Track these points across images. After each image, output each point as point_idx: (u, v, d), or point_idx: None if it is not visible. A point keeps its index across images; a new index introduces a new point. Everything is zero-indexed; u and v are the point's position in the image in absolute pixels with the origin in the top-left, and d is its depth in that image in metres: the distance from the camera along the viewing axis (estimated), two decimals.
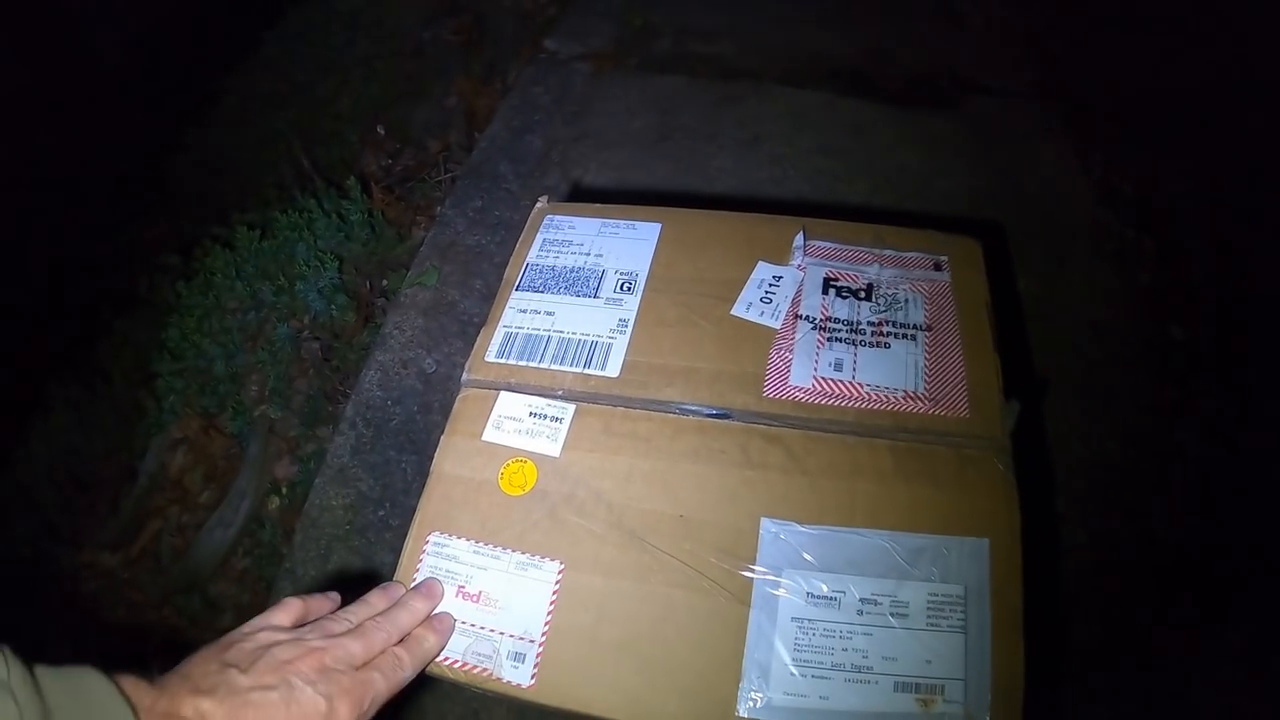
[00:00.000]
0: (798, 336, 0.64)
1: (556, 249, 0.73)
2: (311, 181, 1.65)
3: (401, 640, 0.52)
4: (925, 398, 0.60)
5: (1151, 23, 1.56)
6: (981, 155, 1.47)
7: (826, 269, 0.68)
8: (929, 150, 1.48)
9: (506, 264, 0.73)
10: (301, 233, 1.45)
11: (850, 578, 0.53)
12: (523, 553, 0.57)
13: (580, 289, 0.69)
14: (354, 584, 0.56)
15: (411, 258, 1.42)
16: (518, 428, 0.62)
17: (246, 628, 0.49)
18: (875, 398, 0.60)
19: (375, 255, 1.49)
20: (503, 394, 0.64)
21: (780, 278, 0.68)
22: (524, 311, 0.69)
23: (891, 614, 0.52)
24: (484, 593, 0.56)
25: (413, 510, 0.60)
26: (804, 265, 0.68)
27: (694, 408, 0.61)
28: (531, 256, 0.73)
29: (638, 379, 0.63)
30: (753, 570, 0.54)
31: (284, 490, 1.30)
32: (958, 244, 0.69)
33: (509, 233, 1.39)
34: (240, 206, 1.66)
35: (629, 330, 0.66)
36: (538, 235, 0.74)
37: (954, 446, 0.58)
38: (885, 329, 0.64)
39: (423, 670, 0.53)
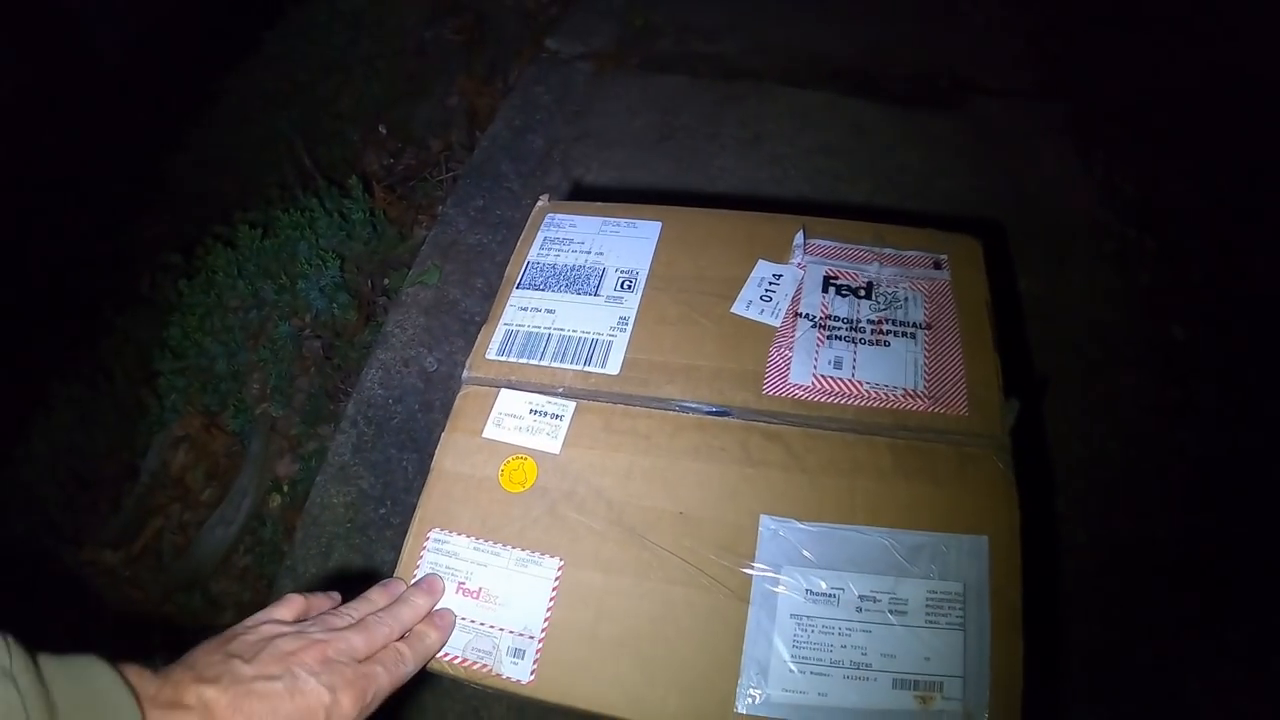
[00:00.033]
0: (798, 334, 0.64)
1: (557, 247, 0.73)
2: (313, 180, 1.65)
3: (403, 636, 0.52)
4: (925, 396, 0.60)
5: (1152, 22, 1.56)
6: (983, 155, 1.47)
7: (826, 267, 0.68)
8: (930, 150, 1.48)
9: (508, 263, 0.74)
10: (303, 231, 1.45)
11: (849, 575, 0.53)
12: (523, 549, 0.57)
13: (581, 287, 0.70)
14: (355, 582, 0.56)
15: (413, 256, 1.42)
16: (518, 425, 0.62)
17: (249, 621, 0.49)
18: (875, 395, 0.60)
19: (377, 254, 1.49)
20: (503, 391, 0.64)
21: (780, 276, 0.68)
22: (525, 309, 0.69)
23: (890, 611, 0.52)
24: (484, 589, 0.56)
25: (414, 508, 0.60)
26: (804, 264, 0.68)
27: (694, 405, 0.62)
28: (532, 255, 0.73)
29: (638, 376, 0.63)
30: (752, 567, 0.54)
31: (285, 488, 1.30)
32: (958, 243, 0.69)
33: (510, 231, 1.39)
34: (242, 205, 1.66)
35: (629, 328, 0.66)
36: (538, 234, 0.75)
37: (953, 444, 0.58)
38: (885, 327, 0.64)
39: (424, 666, 0.53)
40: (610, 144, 1.54)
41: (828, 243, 0.70)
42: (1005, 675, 0.50)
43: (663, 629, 0.53)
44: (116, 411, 1.49)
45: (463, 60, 1.86)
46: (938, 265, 0.68)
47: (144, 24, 2.25)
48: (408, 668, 0.51)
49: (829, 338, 0.64)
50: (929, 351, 0.62)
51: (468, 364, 0.67)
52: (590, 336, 0.66)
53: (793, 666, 0.51)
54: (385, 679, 0.49)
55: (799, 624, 0.52)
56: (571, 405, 0.63)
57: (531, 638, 0.54)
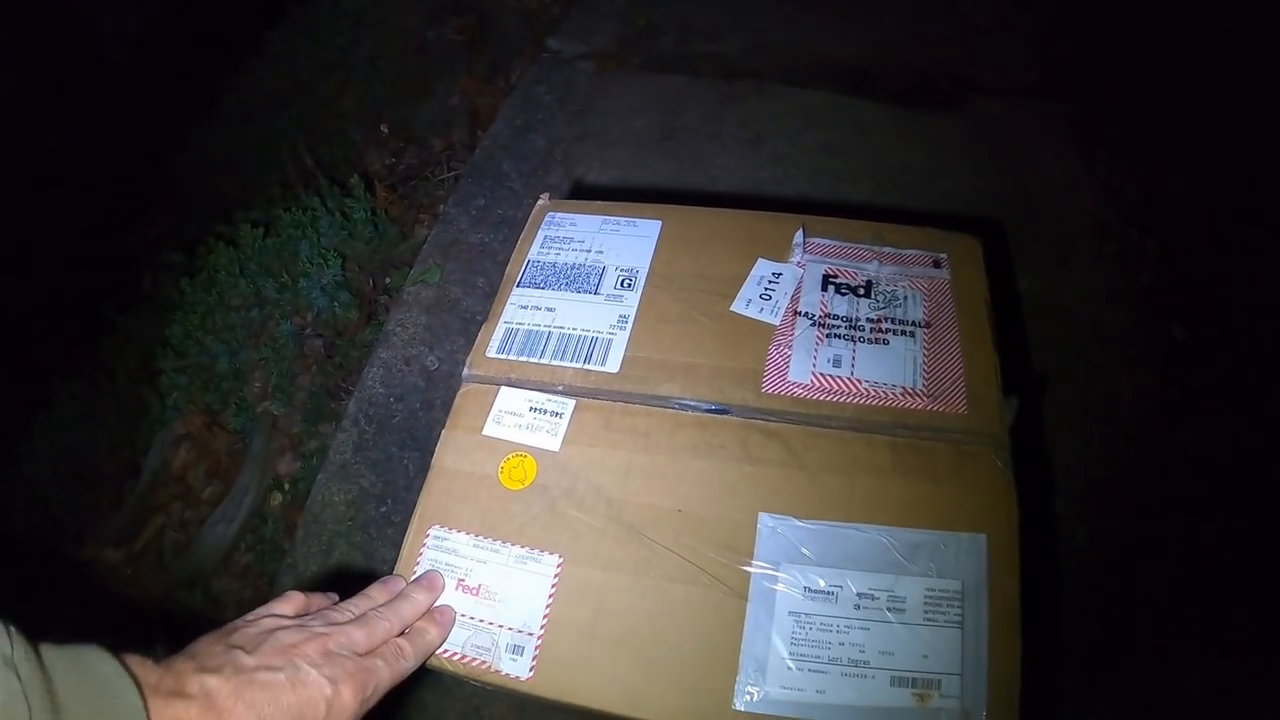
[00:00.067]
0: (797, 333, 0.64)
1: (558, 246, 0.73)
2: (315, 179, 1.66)
3: (403, 632, 0.53)
4: (924, 394, 0.60)
5: (1155, 24, 1.56)
6: (984, 155, 1.47)
7: (826, 266, 0.68)
8: (932, 150, 1.48)
9: (508, 261, 0.74)
10: (305, 230, 1.46)
11: (848, 572, 0.53)
12: (522, 546, 0.57)
13: (581, 285, 0.70)
14: (356, 580, 0.56)
15: (414, 255, 1.42)
16: (518, 422, 0.62)
17: (250, 615, 0.50)
18: (874, 394, 0.60)
19: (378, 253, 1.49)
20: (503, 389, 0.64)
21: (780, 274, 0.68)
22: (525, 308, 0.69)
23: (889, 609, 0.52)
24: (483, 586, 0.56)
25: (414, 506, 0.61)
26: (804, 262, 0.69)
27: (693, 403, 0.62)
28: (533, 253, 0.73)
29: (638, 374, 0.64)
30: (751, 565, 0.54)
31: (286, 486, 1.30)
32: (957, 241, 0.70)
33: (512, 231, 1.39)
34: (244, 204, 1.66)
35: (629, 326, 0.66)
36: (539, 232, 0.75)
37: (952, 442, 0.58)
38: (884, 325, 0.64)
39: (424, 662, 0.53)
40: (612, 143, 1.54)
41: (827, 241, 0.70)
42: (1003, 673, 0.50)
43: (661, 626, 0.53)
44: (118, 410, 1.49)
45: (465, 60, 1.87)
46: (937, 264, 0.68)
47: (146, 23, 2.26)
48: (408, 663, 0.51)
49: (828, 336, 0.64)
50: (928, 350, 0.62)
51: (468, 362, 0.67)
52: (590, 334, 0.66)
53: (791, 664, 0.51)
54: (386, 673, 0.49)
55: (797, 621, 0.52)
56: (571, 403, 0.63)
57: (530, 635, 0.54)
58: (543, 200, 0.78)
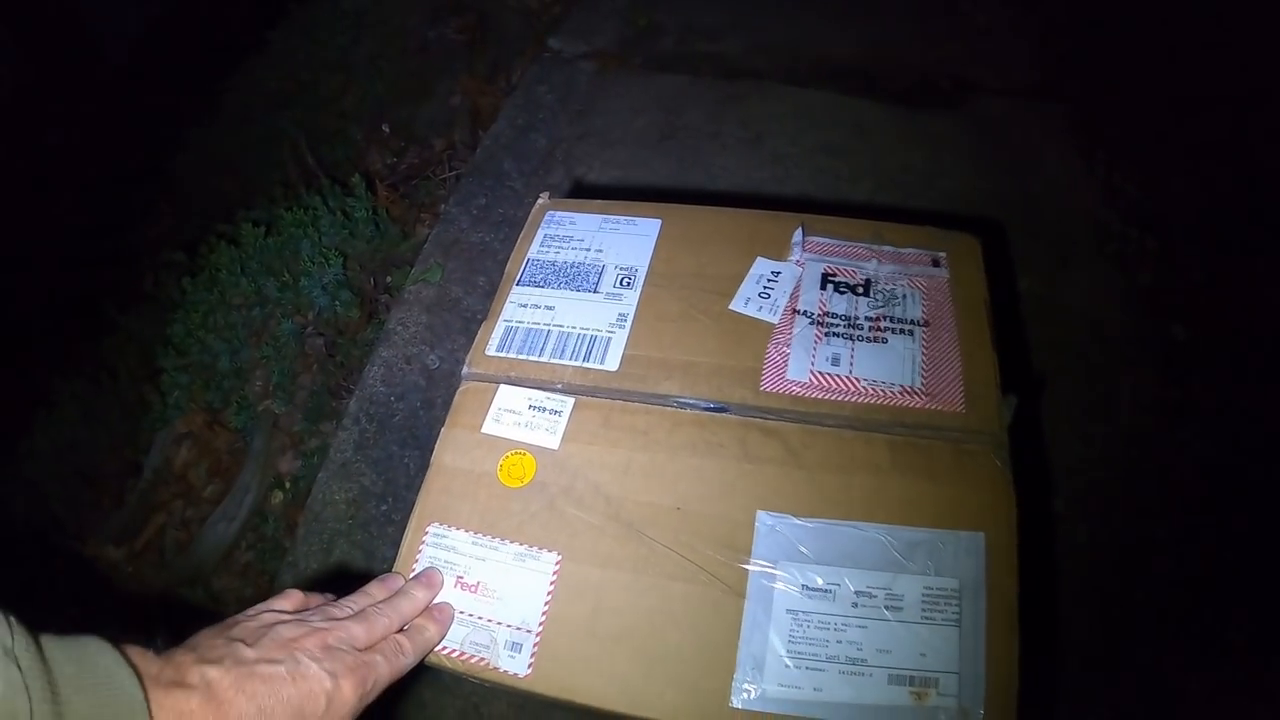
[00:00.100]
0: (795, 331, 0.64)
1: (557, 244, 0.73)
2: (316, 179, 1.66)
3: (403, 628, 0.53)
4: (922, 392, 0.60)
5: (1155, 24, 1.56)
6: (985, 155, 1.47)
7: (825, 265, 0.68)
8: (933, 150, 1.48)
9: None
10: (306, 230, 1.46)
11: (846, 570, 0.53)
12: (521, 544, 0.57)
13: (580, 284, 0.70)
14: (356, 578, 0.56)
15: (415, 255, 1.43)
16: (517, 420, 0.63)
17: (250, 611, 0.50)
18: (872, 392, 0.60)
19: (379, 252, 1.50)
20: (502, 387, 0.65)
21: (779, 273, 0.68)
22: (524, 306, 0.69)
23: (886, 607, 0.52)
24: (482, 583, 0.56)
25: (414, 504, 0.61)
26: (803, 261, 0.69)
27: (692, 401, 0.62)
28: (532, 252, 0.73)
29: (637, 373, 0.64)
30: (749, 562, 0.54)
31: (287, 485, 1.30)
32: (956, 241, 0.70)
33: (513, 230, 1.39)
34: (245, 204, 1.67)
35: (628, 325, 0.66)
36: (539, 231, 0.75)
37: (951, 441, 0.58)
38: (883, 324, 0.64)
39: (423, 659, 0.53)
40: (613, 143, 1.54)
41: (826, 240, 0.70)
42: (1001, 671, 0.50)
43: (660, 624, 0.53)
44: (120, 408, 1.49)
45: (466, 59, 1.87)
46: (936, 263, 0.68)
47: (147, 23, 2.26)
48: (407, 659, 0.51)
49: (827, 334, 0.64)
50: (927, 349, 0.62)
51: (467, 360, 0.67)
52: (589, 333, 0.66)
53: (788, 661, 0.51)
54: (385, 669, 0.49)
55: (795, 619, 0.52)
56: (570, 401, 0.63)
57: (529, 632, 0.54)
58: (542, 199, 0.78)
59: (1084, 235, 1.36)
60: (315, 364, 1.40)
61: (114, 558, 1.33)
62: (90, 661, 0.40)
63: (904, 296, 0.66)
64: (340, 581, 0.57)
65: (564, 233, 0.74)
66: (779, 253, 0.70)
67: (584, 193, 1.45)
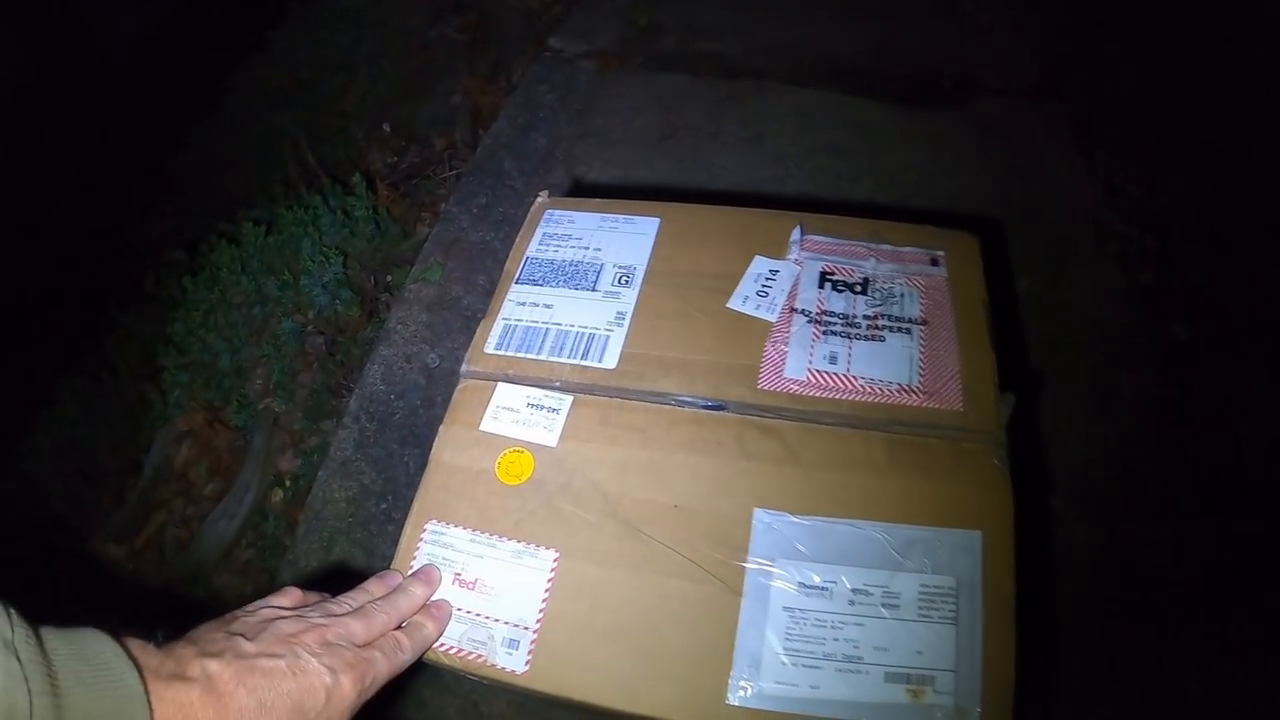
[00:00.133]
0: (793, 329, 0.64)
1: (556, 243, 0.73)
2: (317, 178, 1.66)
3: (401, 625, 0.53)
4: (920, 391, 0.60)
5: (1155, 24, 1.55)
6: (986, 155, 1.47)
7: (823, 263, 0.69)
8: (933, 149, 1.47)
9: None
10: (307, 229, 1.46)
11: (842, 568, 0.53)
12: (519, 541, 0.57)
13: (579, 282, 0.70)
14: (355, 577, 0.57)
15: (416, 254, 1.43)
16: (515, 418, 0.63)
17: (249, 606, 0.50)
18: (870, 390, 0.60)
19: (380, 251, 1.50)
20: (501, 385, 0.65)
21: (777, 272, 0.68)
22: (523, 304, 0.69)
23: (883, 604, 0.52)
24: (480, 580, 0.56)
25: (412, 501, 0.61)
26: (801, 259, 0.69)
27: (690, 399, 0.62)
28: (531, 250, 0.73)
29: (634, 371, 0.64)
30: (746, 560, 0.54)
31: (287, 483, 1.31)
32: (955, 239, 0.70)
33: (513, 229, 1.39)
34: (246, 202, 1.67)
35: (626, 323, 0.67)
36: (538, 229, 0.75)
37: (948, 439, 0.58)
38: (880, 323, 0.64)
39: (421, 655, 0.53)
40: (613, 142, 1.55)
41: (825, 239, 0.70)
42: (997, 670, 0.50)
43: (657, 621, 0.53)
44: (121, 407, 1.49)
45: (466, 59, 1.87)
46: (934, 262, 0.68)
47: (149, 23, 2.26)
48: (405, 656, 0.51)
49: (825, 333, 0.64)
50: (925, 347, 0.62)
51: (466, 358, 0.67)
52: (588, 331, 0.66)
53: (785, 659, 0.51)
54: (384, 665, 0.49)
55: (791, 617, 0.52)
56: (568, 399, 0.63)
57: (526, 629, 0.54)
58: (541, 197, 0.78)
59: (1084, 235, 1.36)
60: (315, 362, 1.40)
61: (115, 555, 1.33)
62: (90, 654, 0.40)
63: (902, 295, 0.66)
64: (340, 579, 0.57)
65: (563, 231, 0.74)
66: (777, 251, 0.70)
67: (584, 192, 1.45)
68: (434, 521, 0.59)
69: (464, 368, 0.67)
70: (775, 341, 0.64)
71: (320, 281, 1.40)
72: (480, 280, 1.36)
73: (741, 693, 0.50)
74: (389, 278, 1.48)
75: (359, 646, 0.49)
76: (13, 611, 0.38)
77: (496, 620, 0.55)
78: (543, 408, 0.63)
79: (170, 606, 1.24)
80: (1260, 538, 1.05)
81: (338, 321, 1.43)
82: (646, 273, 0.70)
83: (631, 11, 1.82)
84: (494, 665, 0.53)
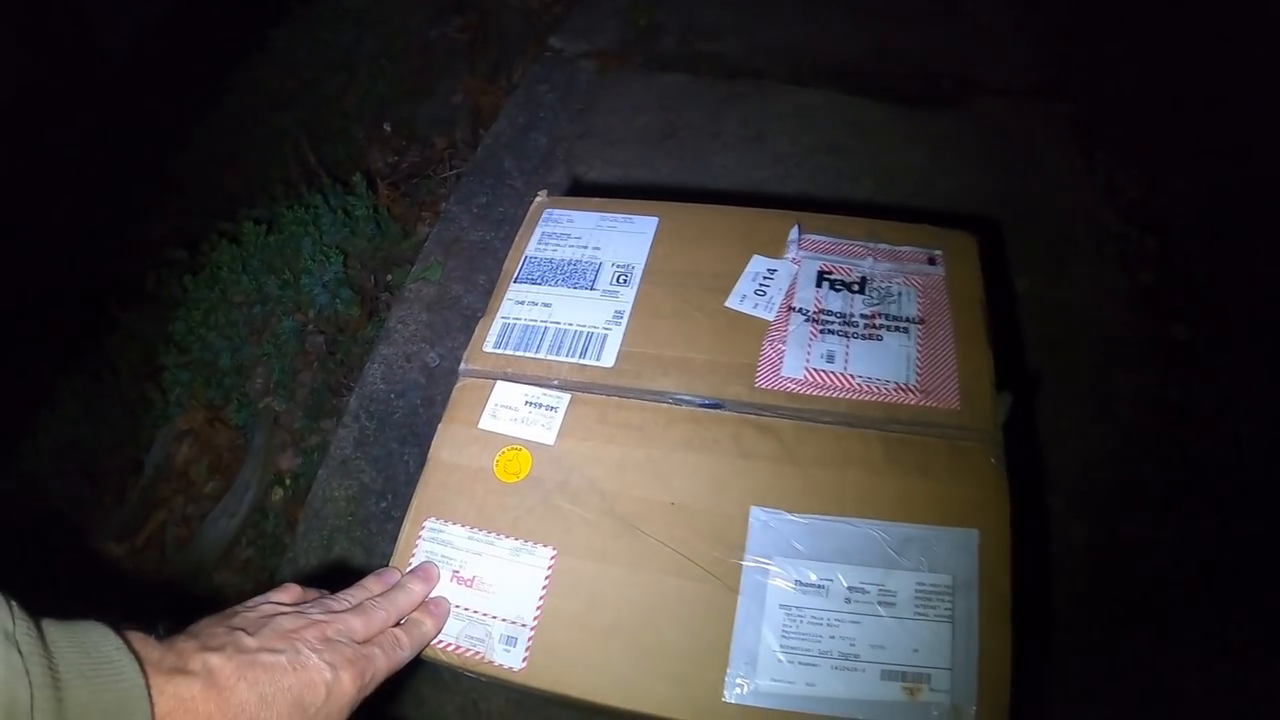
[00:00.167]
0: (790, 328, 0.64)
1: (555, 242, 0.74)
2: (318, 178, 1.66)
3: (399, 622, 0.53)
4: (917, 389, 0.60)
5: (1155, 23, 1.55)
6: (986, 154, 1.47)
7: (821, 262, 0.69)
8: (933, 149, 1.47)
9: None
10: (307, 228, 1.46)
11: (839, 566, 0.53)
12: (516, 539, 0.57)
13: (577, 281, 0.70)
14: (355, 575, 0.57)
15: (416, 253, 1.43)
16: (513, 416, 0.63)
17: (250, 602, 0.50)
18: (867, 389, 0.60)
19: (380, 250, 1.50)
20: (499, 383, 0.65)
21: (775, 270, 0.68)
22: (522, 303, 0.70)
23: (879, 603, 0.52)
24: (478, 577, 0.56)
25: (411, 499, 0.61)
26: (798, 258, 0.69)
27: (687, 398, 0.62)
28: (530, 249, 0.74)
29: (632, 369, 0.64)
30: (742, 558, 0.54)
31: (287, 482, 1.31)
32: (953, 238, 0.70)
33: (513, 228, 1.38)
34: (247, 202, 1.67)
35: (624, 321, 0.67)
36: (536, 228, 0.75)
37: (945, 438, 0.58)
38: (878, 321, 0.64)
39: (419, 652, 0.53)
40: (613, 142, 1.55)
41: (822, 238, 0.70)
42: (993, 668, 0.50)
43: (653, 618, 0.54)
44: (121, 406, 1.50)
45: (467, 59, 1.87)
46: (932, 261, 0.68)
47: (150, 22, 2.27)
48: (404, 653, 0.51)
49: (822, 332, 0.64)
50: (922, 346, 0.63)
51: (465, 356, 0.67)
52: (586, 330, 0.67)
53: (781, 656, 0.51)
54: (383, 662, 0.49)
55: (788, 614, 0.52)
56: (566, 397, 0.63)
57: (524, 626, 0.54)
58: (541, 197, 0.78)
59: (1084, 235, 1.36)
60: (316, 361, 1.40)
61: (115, 553, 1.34)
62: (92, 647, 0.40)
63: (900, 294, 0.66)
64: (340, 577, 0.57)
65: (561, 230, 0.74)
66: (775, 250, 0.70)
67: (584, 191, 1.45)
68: (432, 519, 0.59)
69: (463, 366, 0.67)
70: (773, 340, 0.64)
71: (321, 281, 1.41)
72: (480, 279, 1.36)
73: (738, 690, 0.51)
74: (389, 277, 1.48)
75: (358, 643, 0.49)
76: (14, 604, 0.38)
77: (494, 617, 0.55)
78: (541, 406, 0.63)
79: (171, 604, 1.25)
80: (1260, 538, 1.05)
81: (338, 320, 1.43)
82: (644, 272, 0.70)
83: (632, 11, 1.82)
84: (492, 662, 0.53)
